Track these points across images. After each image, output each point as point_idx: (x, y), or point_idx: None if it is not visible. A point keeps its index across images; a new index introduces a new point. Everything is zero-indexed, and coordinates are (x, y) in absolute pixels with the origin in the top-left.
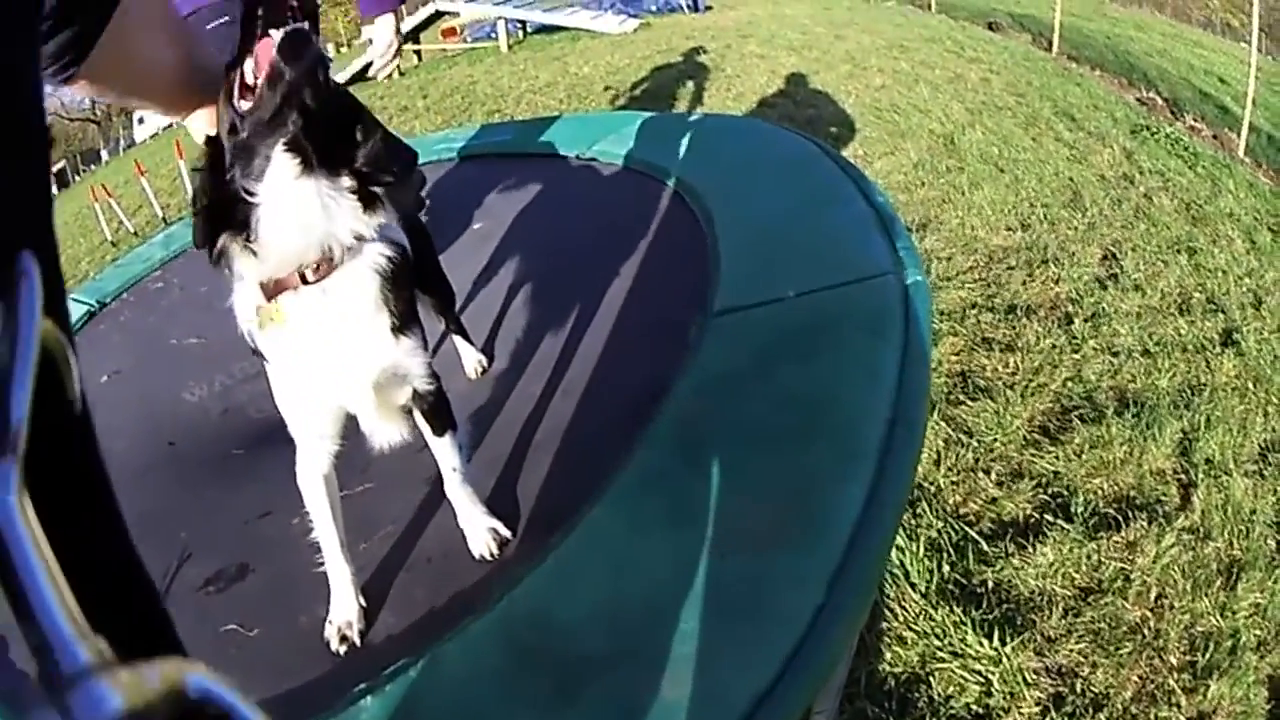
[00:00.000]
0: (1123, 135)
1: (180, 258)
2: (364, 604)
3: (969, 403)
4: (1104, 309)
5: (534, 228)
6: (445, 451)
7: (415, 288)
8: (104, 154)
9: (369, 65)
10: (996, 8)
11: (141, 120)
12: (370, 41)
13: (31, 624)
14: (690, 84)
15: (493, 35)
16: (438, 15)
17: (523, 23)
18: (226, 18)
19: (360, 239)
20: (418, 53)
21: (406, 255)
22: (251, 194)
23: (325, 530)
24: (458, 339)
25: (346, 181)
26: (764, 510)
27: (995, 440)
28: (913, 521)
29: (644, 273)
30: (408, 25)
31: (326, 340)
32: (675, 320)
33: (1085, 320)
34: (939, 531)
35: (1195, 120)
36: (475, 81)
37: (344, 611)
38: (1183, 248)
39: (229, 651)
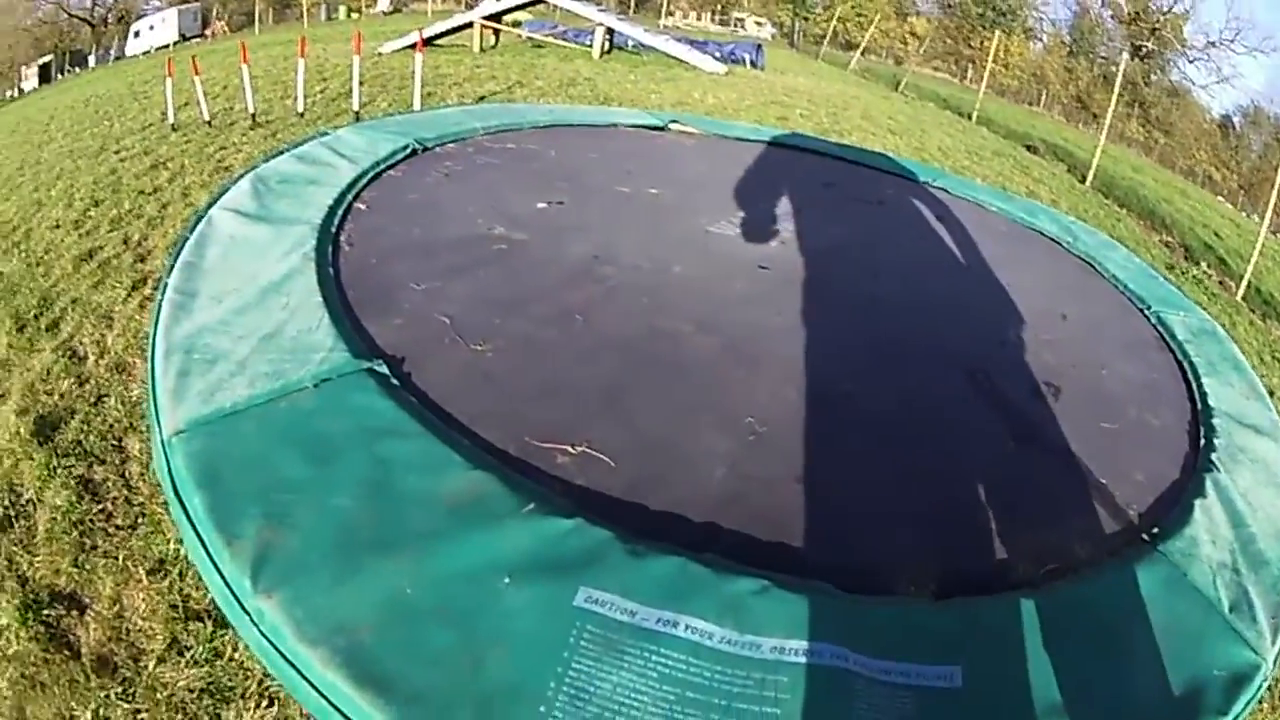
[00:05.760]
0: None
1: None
2: None
3: None
4: None
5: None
6: None
7: None
8: (91, 59)
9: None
10: (1029, 131)
11: (137, 34)
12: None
13: None
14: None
15: (584, 41)
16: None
17: (610, 35)
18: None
19: None
20: (496, 33)
21: None
22: None
23: None
24: None
25: None
26: None
27: None
28: None
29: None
30: (498, 6)
31: None
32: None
33: None
34: None
35: (1207, 267)
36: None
37: None
38: None
39: None
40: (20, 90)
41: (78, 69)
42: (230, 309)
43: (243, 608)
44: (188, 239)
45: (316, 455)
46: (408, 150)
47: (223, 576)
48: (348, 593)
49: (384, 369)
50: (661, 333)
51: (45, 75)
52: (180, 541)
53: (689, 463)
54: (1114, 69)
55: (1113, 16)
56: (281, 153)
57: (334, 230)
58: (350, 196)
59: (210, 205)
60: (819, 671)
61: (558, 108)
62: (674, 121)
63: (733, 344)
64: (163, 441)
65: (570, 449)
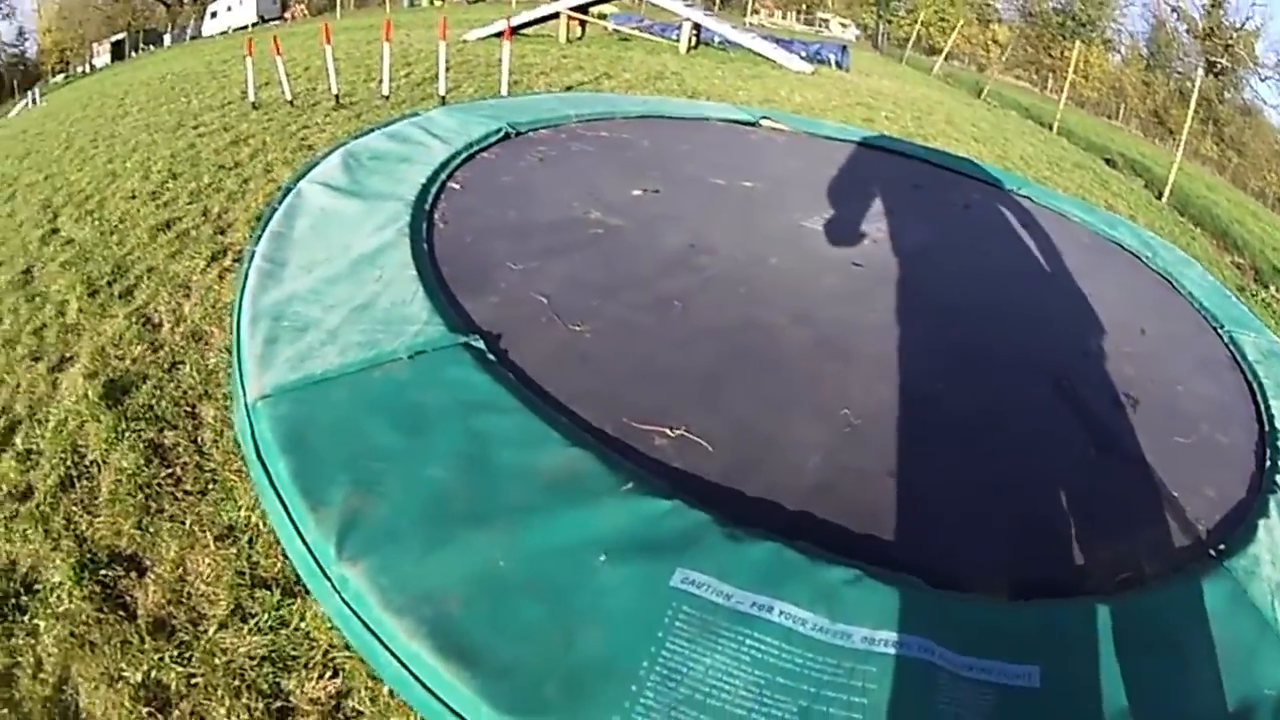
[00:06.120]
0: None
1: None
2: None
3: None
4: None
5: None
6: None
7: None
8: (167, 38)
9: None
10: (1108, 145)
11: (214, 15)
12: None
13: None
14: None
15: (671, 35)
16: None
17: (696, 30)
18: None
19: None
20: (582, 24)
21: None
22: None
23: None
24: None
25: None
26: None
27: None
28: None
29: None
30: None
31: None
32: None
33: None
34: None
35: (1275, 290)
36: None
37: None
38: None
39: None
40: (92, 66)
41: (152, 47)
42: (321, 279)
43: (324, 574)
44: (276, 209)
45: (409, 426)
46: (500, 134)
47: (305, 542)
48: (437, 563)
49: (480, 344)
50: (757, 323)
51: (119, 52)
52: (253, 508)
53: (784, 451)
54: (1189, 84)
55: (1188, 31)
56: (371, 131)
57: (427, 207)
58: (444, 175)
59: (299, 178)
60: (906, 664)
61: (649, 99)
62: (765, 118)
63: (827, 338)
64: (246, 406)
65: (668, 432)
